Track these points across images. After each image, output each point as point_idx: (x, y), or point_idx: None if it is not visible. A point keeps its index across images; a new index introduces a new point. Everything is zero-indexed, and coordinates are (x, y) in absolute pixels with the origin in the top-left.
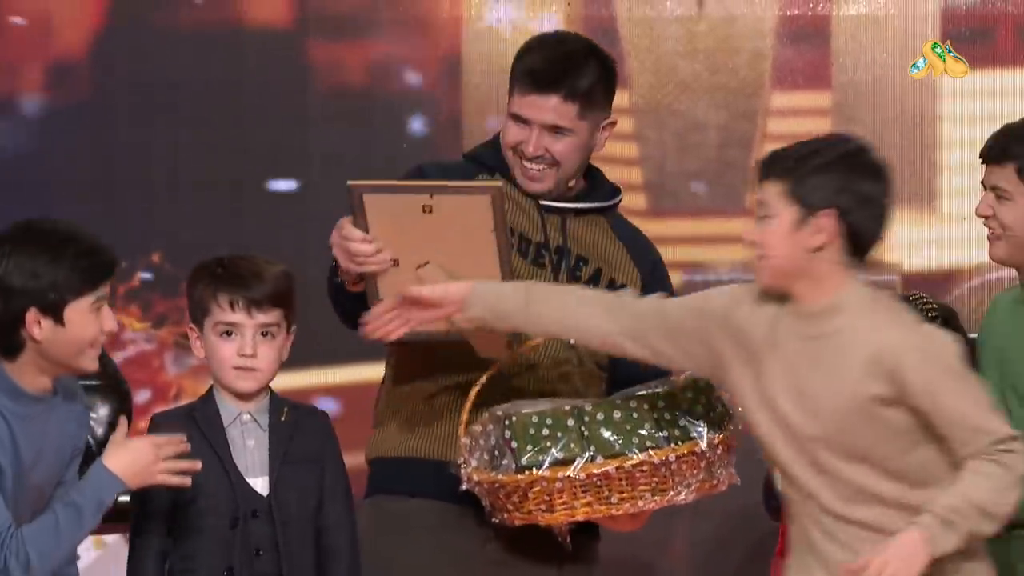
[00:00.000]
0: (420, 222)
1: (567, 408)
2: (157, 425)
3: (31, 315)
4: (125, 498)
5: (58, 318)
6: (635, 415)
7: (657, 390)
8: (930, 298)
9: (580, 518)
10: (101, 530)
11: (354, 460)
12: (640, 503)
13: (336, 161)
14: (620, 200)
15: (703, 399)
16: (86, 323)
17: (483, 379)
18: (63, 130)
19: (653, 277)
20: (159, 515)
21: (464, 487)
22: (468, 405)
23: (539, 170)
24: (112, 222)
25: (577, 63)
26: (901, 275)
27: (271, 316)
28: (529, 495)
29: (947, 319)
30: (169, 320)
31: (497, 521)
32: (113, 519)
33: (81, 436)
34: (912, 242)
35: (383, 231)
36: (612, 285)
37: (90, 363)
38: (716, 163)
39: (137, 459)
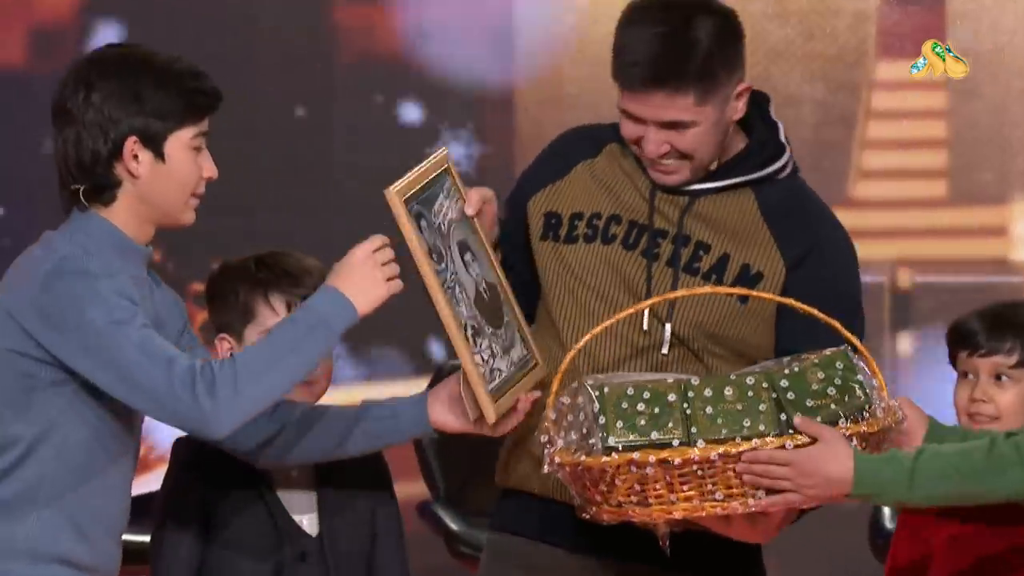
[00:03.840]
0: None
1: (670, 381)
2: (180, 451)
3: (130, 146)
4: (144, 538)
5: (159, 152)
6: (750, 394)
7: (785, 369)
8: None
9: (678, 515)
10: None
11: (401, 490)
12: (750, 502)
13: (364, 143)
14: (780, 168)
15: (837, 383)
16: (187, 161)
17: (582, 342)
18: (46, 106)
19: (803, 266)
20: (184, 559)
21: (546, 470)
22: (559, 375)
23: (669, 165)
24: None
25: (681, 43)
26: None
27: None
28: (617, 482)
29: None
30: None
31: (588, 517)
32: (130, 560)
33: (179, 316)
34: None
35: None
36: (745, 273)
37: (190, 215)
38: (812, 144)
39: (364, 274)
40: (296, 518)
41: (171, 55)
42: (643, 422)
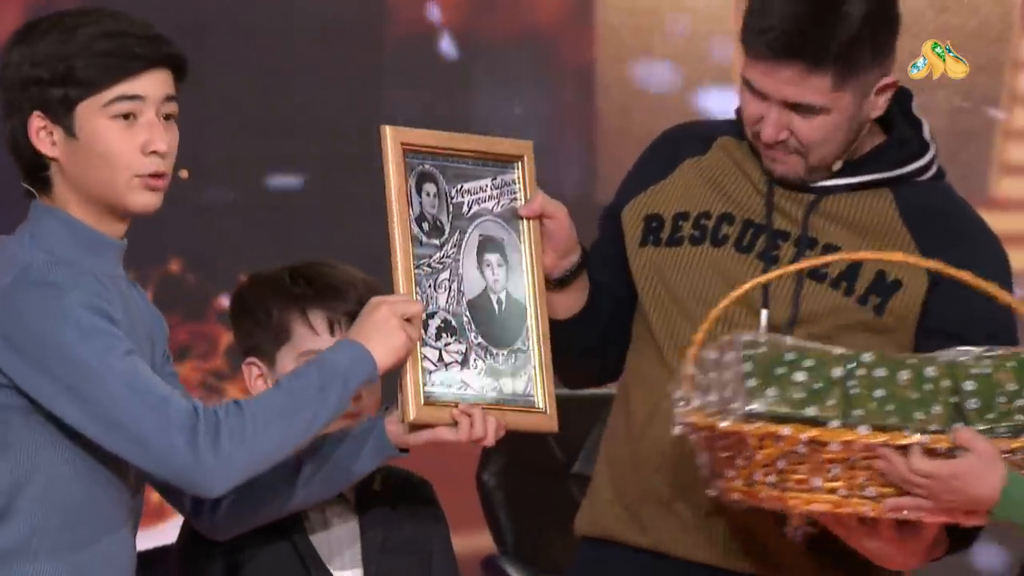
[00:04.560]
0: None
1: (838, 353)
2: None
3: (36, 122)
4: None
5: (68, 126)
6: (928, 386)
7: (972, 367)
8: None
9: (819, 509)
10: None
11: (465, 543)
12: (904, 503)
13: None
14: (921, 167)
15: None
16: (106, 135)
17: (721, 305)
18: None
19: (950, 280)
20: None
21: (676, 431)
22: (700, 334)
23: (781, 154)
24: None
25: (828, 14)
26: None
27: None
28: (757, 456)
29: None
30: (193, 351)
31: (714, 494)
32: None
33: (164, 338)
34: None
35: None
36: (880, 281)
37: (139, 198)
38: (947, 134)
39: (385, 323)
40: (337, 575)
41: (106, 12)
42: (799, 394)
